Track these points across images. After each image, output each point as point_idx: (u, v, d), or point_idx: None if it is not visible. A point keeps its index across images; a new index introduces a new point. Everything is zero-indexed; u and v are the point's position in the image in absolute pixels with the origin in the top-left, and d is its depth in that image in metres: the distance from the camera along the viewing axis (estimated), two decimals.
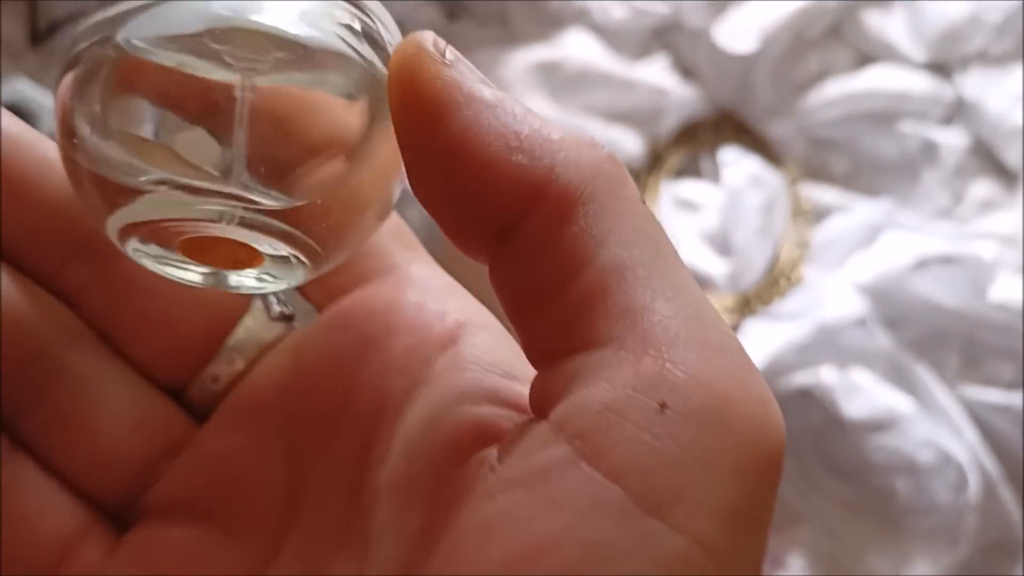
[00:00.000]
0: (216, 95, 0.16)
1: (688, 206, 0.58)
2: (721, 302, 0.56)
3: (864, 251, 0.56)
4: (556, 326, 0.17)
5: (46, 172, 0.20)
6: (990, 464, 0.51)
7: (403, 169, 0.18)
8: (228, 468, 0.20)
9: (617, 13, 0.60)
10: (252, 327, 0.21)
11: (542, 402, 0.17)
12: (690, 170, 0.60)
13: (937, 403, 0.52)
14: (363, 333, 0.20)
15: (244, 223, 0.17)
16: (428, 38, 0.17)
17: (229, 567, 0.19)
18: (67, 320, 0.20)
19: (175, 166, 0.16)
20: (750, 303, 0.56)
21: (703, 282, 0.56)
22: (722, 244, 0.57)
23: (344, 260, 0.19)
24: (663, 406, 0.15)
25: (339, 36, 0.17)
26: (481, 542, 0.15)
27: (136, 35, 0.16)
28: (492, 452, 0.17)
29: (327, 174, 0.17)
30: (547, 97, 0.58)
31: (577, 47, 0.60)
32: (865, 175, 0.60)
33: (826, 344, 0.52)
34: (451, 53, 0.17)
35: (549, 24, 0.61)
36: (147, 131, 0.16)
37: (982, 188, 0.59)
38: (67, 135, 0.17)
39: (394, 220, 0.21)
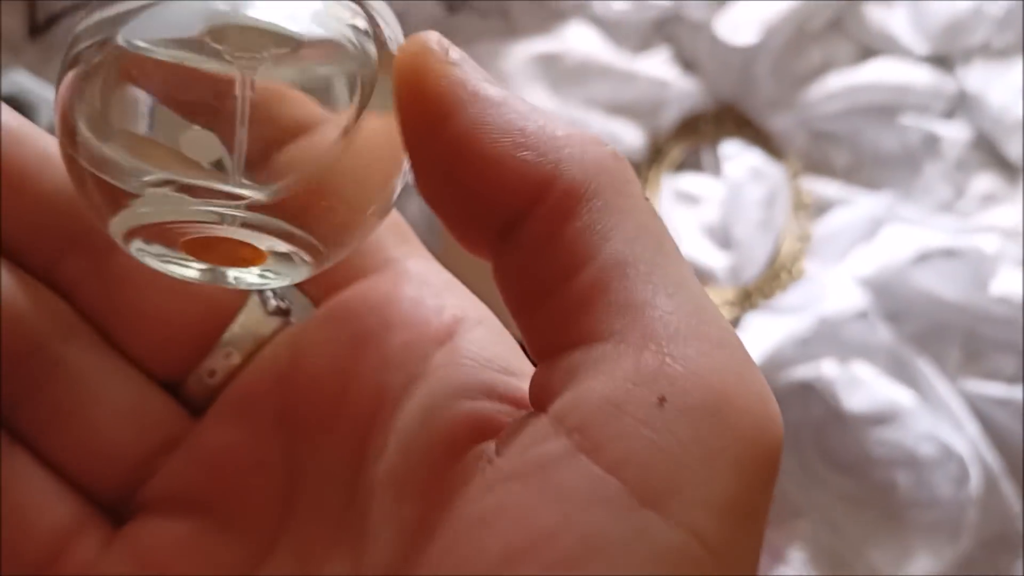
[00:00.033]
0: (216, 91, 0.16)
1: (689, 199, 0.58)
2: (722, 295, 0.56)
3: (865, 244, 0.56)
4: (557, 321, 0.17)
5: (43, 165, 0.20)
6: (991, 458, 0.51)
7: (404, 165, 0.18)
8: (224, 462, 0.20)
9: (618, 5, 0.60)
10: (248, 321, 0.21)
11: (542, 396, 0.17)
12: (691, 163, 0.60)
13: (938, 397, 0.52)
14: (360, 328, 0.20)
15: (246, 223, 0.17)
16: (432, 38, 0.17)
17: (225, 561, 0.19)
18: (64, 314, 0.20)
19: (177, 165, 0.16)
20: (751, 296, 0.56)
21: (704, 275, 0.56)
22: (723, 237, 0.57)
23: (346, 256, 0.19)
24: (662, 400, 0.15)
25: (340, 32, 0.17)
26: (479, 534, 0.15)
27: (135, 34, 0.16)
28: (490, 446, 0.17)
29: (328, 171, 0.17)
30: (547, 90, 0.58)
31: (578, 39, 0.60)
32: (866, 168, 0.60)
33: (827, 337, 0.52)
34: (455, 52, 0.17)
35: (550, 16, 0.61)
36: (148, 130, 0.16)
37: (984, 181, 0.58)
38: (68, 135, 0.17)
39: (391, 214, 0.21)
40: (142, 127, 0.16)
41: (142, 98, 0.16)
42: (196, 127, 0.16)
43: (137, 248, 0.18)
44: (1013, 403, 0.52)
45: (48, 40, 0.56)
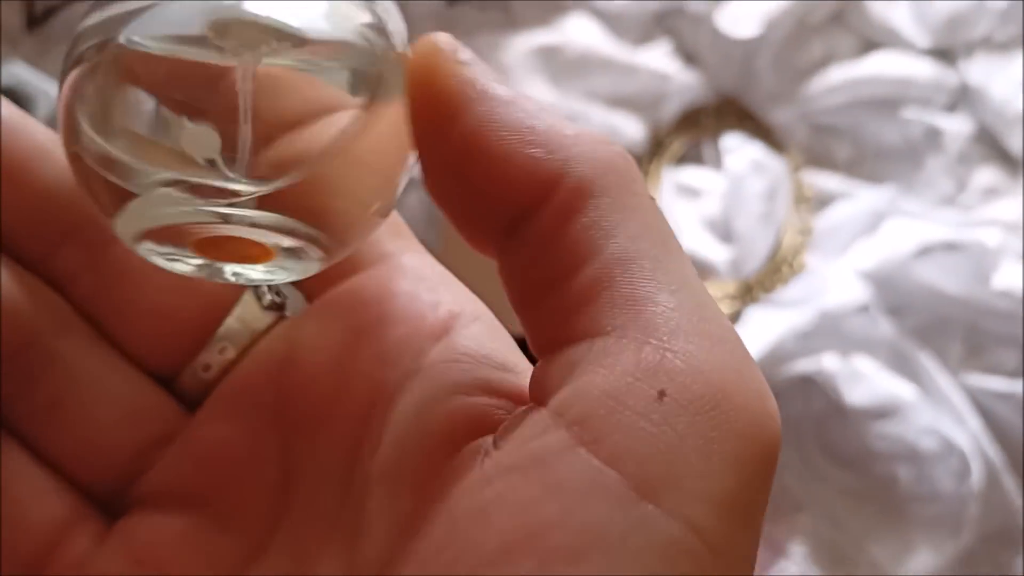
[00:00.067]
0: (217, 85, 0.16)
1: (690, 192, 0.58)
2: (723, 289, 0.56)
3: (867, 238, 0.56)
4: (560, 315, 0.17)
5: (39, 158, 0.20)
6: (993, 452, 0.51)
7: (409, 161, 0.18)
8: (219, 457, 0.20)
9: None
10: (243, 316, 0.21)
11: (542, 390, 0.17)
12: (692, 156, 0.60)
13: (940, 391, 0.52)
14: (355, 322, 0.20)
15: (255, 222, 0.17)
16: (442, 38, 0.17)
17: (219, 556, 0.19)
18: (58, 308, 0.20)
19: (182, 164, 0.16)
20: (752, 290, 0.56)
21: (705, 269, 0.56)
22: (724, 231, 0.57)
23: (352, 252, 0.20)
24: (662, 394, 0.15)
25: (346, 30, 0.17)
26: (477, 525, 0.15)
27: (137, 33, 0.16)
28: (487, 440, 0.17)
29: (336, 166, 0.17)
30: (548, 82, 0.58)
31: (578, 32, 0.59)
32: (868, 162, 0.59)
33: (828, 331, 0.52)
34: (465, 53, 0.17)
35: (550, 8, 0.60)
36: (152, 128, 0.16)
37: (986, 175, 0.58)
38: (72, 135, 0.17)
39: None
40: (146, 126, 0.16)
41: (144, 96, 0.16)
42: (200, 124, 0.16)
43: (146, 249, 0.18)
44: (1015, 397, 0.52)
45: (46, 32, 0.56)
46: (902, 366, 0.53)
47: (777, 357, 0.52)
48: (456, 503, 0.16)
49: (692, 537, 0.15)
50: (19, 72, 0.47)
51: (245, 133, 0.16)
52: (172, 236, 0.17)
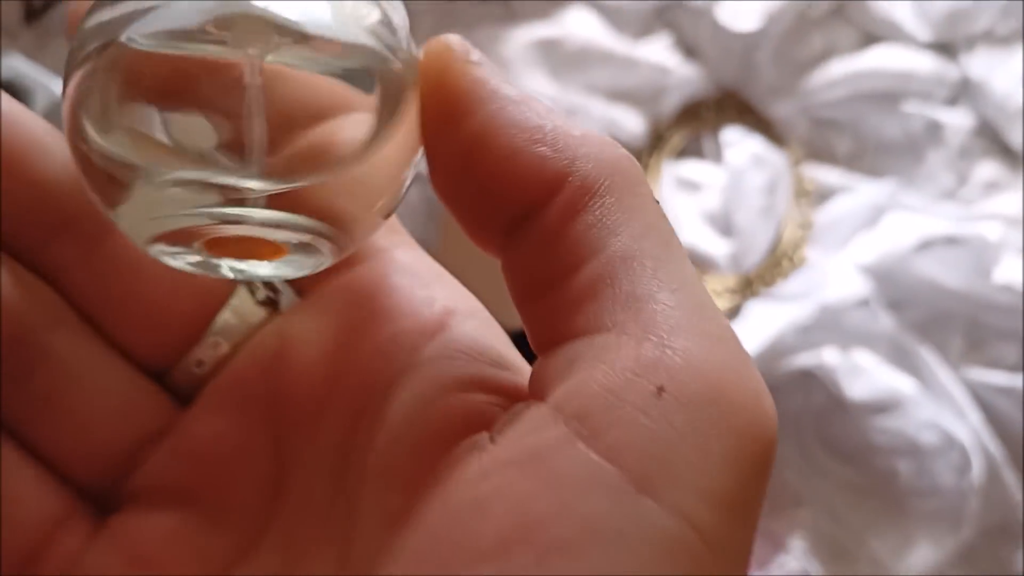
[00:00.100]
0: (224, 80, 0.16)
1: (690, 186, 0.58)
2: (723, 283, 0.55)
3: (867, 232, 0.56)
4: (562, 311, 0.17)
5: (33, 150, 0.20)
6: (993, 446, 0.51)
7: (417, 157, 0.18)
8: (211, 453, 0.20)
9: None
10: (238, 311, 0.21)
11: (541, 385, 0.17)
12: (692, 150, 0.60)
13: (940, 385, 0.52)
14: (349, 318, 0.20)
15: (266, 222, 0.17)
16: (454, 39, 0.18)
17: (212, 552, 0.19)
18: (51, 302, 0.20)
19: (192, 163, 0.16)
20: (752, 284, 0.56)
21: (705, 262, 0.56)
22: (724, 225, 0.57)
23: (359, 247, 0.20)
24: (661, 390, 0.15)
25: (355, 28, 0.17)
26: (475, 519, 0.15)
27: (140, 32, 0.16)
28: (483, 436, 0.17)
29: (342, 160, 0.17)
30: (548, 75, 0.58)
31: (578, 25, 0.59)
32: (869, 156, 0.59)
33: (829, 325, 0.52)
34: (476, 54, 0.18)
35: (550, 2, 0.60)
36: (158, 128, 0.16)
37: (987, 169, 0.58)
38: (79, 137, 0.17)
39: None
40: (153, 125, 0.16)
41: (149, 93, 0.16)
42: (209, 121, 0.16)
43: (157, 250, 0.18)
44: (1015, 391, 0.52)
45: (44, 25, 0.56)
46: (902, 360, 0.53)
47: (777, 351, 0.52)
48: (452, 497, 0.16)
49: (689, 532, 0.15)
50: (17, 65, 0.47)
51: (258, 129, 0.16)
52: (184, 237, 0.17)
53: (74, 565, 0.19)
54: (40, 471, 0.20)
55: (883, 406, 0.51)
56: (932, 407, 0.51)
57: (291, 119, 0.16)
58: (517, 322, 0.18)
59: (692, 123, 0.59)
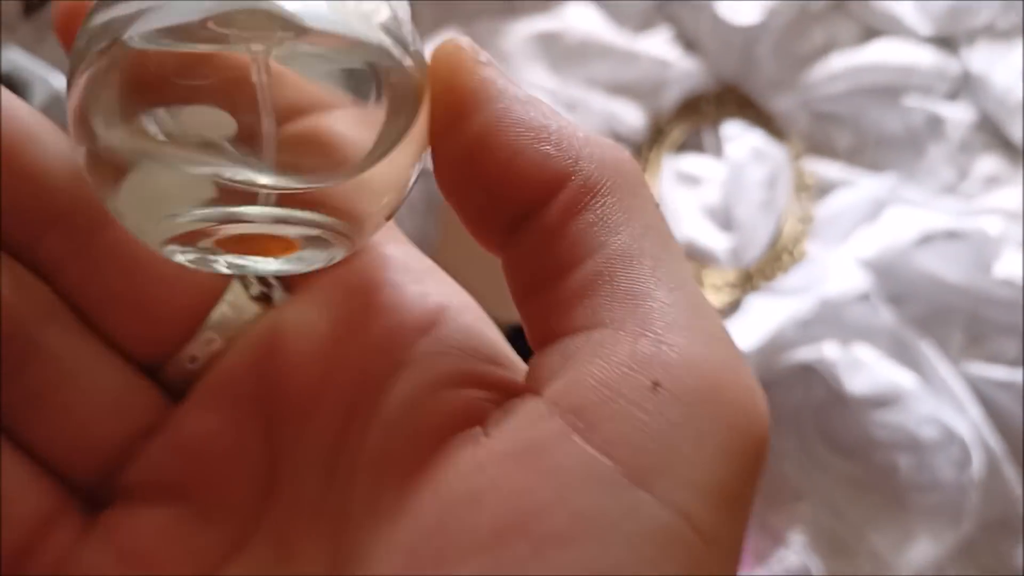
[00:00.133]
0: (230, 77, 0.16)
1: (690, 180, 0.58)
2: (723, 277, 0.55)
3: (868, 226, 0.56)
4: (560, 306, 0.17)
5: (27, 142, 0.19)
6: (993, 441, 0.51)
7: (424, 153, 0.18)
8: (203, 448, 0.20)
9: None
10: (232, 306, 0.21)
11: (538, 379, 0.17)
12: (692, 144, 0.60)
13: (940, 379, 0.52)
14: (341, 313, 0.20)
15: (279, 219, 0.17)
16: (464, 41, 0.18)
17: (203, 548, 0.19)
18: (43, 296, 0.20)
19: (203, 161, 0.16)
20: (752, 278, 0.56)
21: (705, 257, 0.56)
22: (724, 219, 0.57)
23: (368, 241, 0.20)
24: (656, 384, 0.16)
25: (352, 20, 0.17)
26: (470, 510, 0.15)
27: (143, 31, 0.16)
28: (477, 430, 0.17)
29: (355, 160, 0.17)
30: (548, 69, 0.58)
31: (578, 18, 0.59)
32: (869, 150, 0.59)
33: (829, 319, 0.52)
34: (485, 55, 0.18)
35: None
36: (167, 126, 0.16)
37: (988, 163, 0.58)
38: (87, 138, 0.17)
39: None
40: (162, 124, 0.16)
41: (157, 94, 0.16)
42: (219, 117, 0.16)
43: (169, 251, 0.18)
44: (1015, 386, 0.52)
45: (42, 18, 0.56)
46: (903, 355, 0.53)
47: (777, 345, 0.52)
48: (447, 489, 0.16)
49: (683, 524, 0.15)
50: (15, 58, 0.47)
51: (268, 126, 0.16)
52: (196, 236, 0.17)
53: (66, 561, 0.19)
54: (33, 467, 0.19)
55: (883, 400, 0.51)
56: (932, 401, 0.51)
57: (301, 116, 0.16)
58: (515, 316, 0.18)
59: (692, 117, 0.59)
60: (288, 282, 0.21)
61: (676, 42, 0.60)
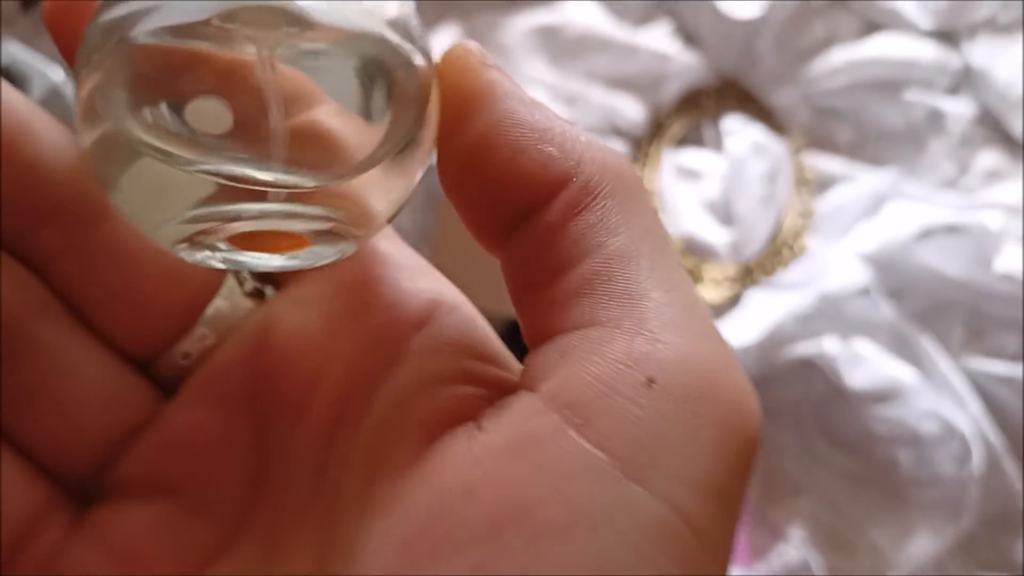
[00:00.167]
0: (239, 73, 0.16)
1: (690, 175, 0.58)
2: (723, 271, 0.55)
3: (868, 221, 0.56)
4: (558, 304, 0.17)
5: (22, 135, 0.19)
6: (993, 436, 0.51)
7: (432, 151, 0.18)
8: (193, 444, 0.20)
9: None
10: (225, 303, 0.21)
11: (534, 376, 0.17)
12: (692, 138, 0.59)
13: (941, 374, 0.52)
14: (334, 309, 0.20)
15: (289, 214, 0.17)
16: (473, 45, 0.18)
17: (193, 544, 0.19)
18: (36, 290, 0.20)
19: (213, 159, 0.16)
20: (752, 273, 0.56)
21: (705, 251, 0.56)
22: (724, 213, 0.57)
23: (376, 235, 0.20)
24: (651, 381, 0.16)
25: (374, 24, 0.17)
26: (465, 504, 0.16)
27: (151, 28, 0.16)
28: (470, 425, 0.17)
29: (362, 151, 0.17)
30: (547, 63, 0.58)
31: (578, 12, 0.59)
32: (870, 144, 0.59)
33: (829, 314, 0.52)
34: (492, 59, 0.18)
35: None
36: (175, 124, 0.16)
37: (988, 158, 0.58)
38: (91, 132, 0.17)
39: None
40: (171, 122, 0.16)
41: (165, 92, 0.16)
42: (226, 114, 0.16)
43: (180, 250, 0.18)
44: (1016, 381, 0.52)
45: (41, 12, 0.55)
46: (903, 349, 0.53)
47: (777, 340, 0.52)
48: (441, 482, 0.16)
49: (676, 518, 0.15)
50: (14, 51, 0.47)
51: (277, 123, 0.16)
52: (206, 234, 0.17)
53: (55, 557, 0.19)
54: (22, 463, 0.19)
55: (883, 395, 0.51)
56: (932, 396, 0.51)
57: (310, 112, 0.16)
58: (511, 311, 0.18)
59: (692, 111, 0.59)
60: (277, 278, 0.21)
61: (676, 36, 0.60)
